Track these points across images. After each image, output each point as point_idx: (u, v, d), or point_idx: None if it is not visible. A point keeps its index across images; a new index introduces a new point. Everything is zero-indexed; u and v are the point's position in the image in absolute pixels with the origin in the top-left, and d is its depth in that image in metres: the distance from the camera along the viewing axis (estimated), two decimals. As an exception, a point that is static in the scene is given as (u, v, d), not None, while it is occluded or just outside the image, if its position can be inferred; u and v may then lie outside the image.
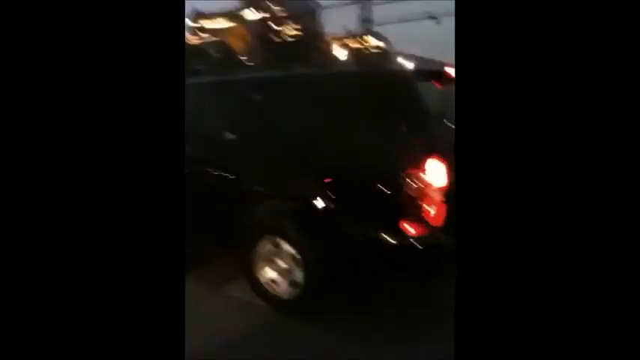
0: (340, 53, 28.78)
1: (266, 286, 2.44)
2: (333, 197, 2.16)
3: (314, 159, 2.30)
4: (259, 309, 2.45)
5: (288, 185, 2.37)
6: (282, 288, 2.38)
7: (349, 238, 2.17)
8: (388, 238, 2.03)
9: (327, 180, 2.23)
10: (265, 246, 2.41)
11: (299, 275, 2.28)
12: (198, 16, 14.10)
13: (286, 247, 2.32)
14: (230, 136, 2.62)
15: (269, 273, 2.44)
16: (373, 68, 6.38)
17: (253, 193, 2.47)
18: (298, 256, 2.26)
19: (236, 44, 8.53)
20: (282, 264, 2.38)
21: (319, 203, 2.19)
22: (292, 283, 2.34)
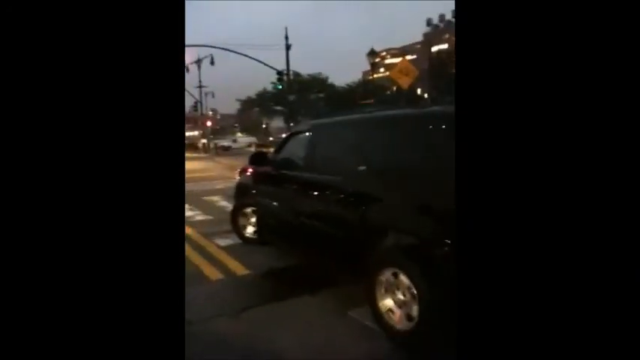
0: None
1: (384, 314, 2.52)
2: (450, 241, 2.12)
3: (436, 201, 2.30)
4: (378, 335, 2.53)
5: (409, 222, 2.42)
6: (398, 319, 2.42)
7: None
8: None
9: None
10: (386, 276, 2.50)
11: (414, 309, 2.29)
12: (371, 53, 15.09)
13: (404, 279, 2.36)
14: (361, 168, 2.84)
15: (388, 302, 2.51)
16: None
17: (380, 226, 2.61)
18: (414, 290, 2.28)
19: (400, 78, 8.83)
20: (400, 296, 2.42)
21: (438, 242, 2.18)
22: (408, 316, 2.35)
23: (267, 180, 4.13)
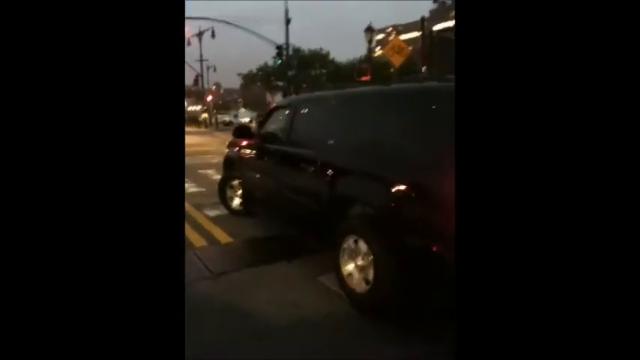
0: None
1: (346, 278, 2.73)
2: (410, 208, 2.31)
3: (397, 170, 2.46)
4: (343, 300, 2.76)
5: (371, 192, 2.60)
6: (357, 282, 2.64)
7: (419, 249, 2.28)
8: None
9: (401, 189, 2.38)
10: (349, 243, 2.70)
11: (370, 273, 2.50)
12: (369, 29, 14.88)
13: (363, 246, 2.56)
14: (330, 142, 3.01)
15: (349, 267, 2.72)
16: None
17: (346, 197, 2.79)
18: (371, 256, 2.48)
19: (392, 56, 8.84)
20: (359, 261, 2.63)
21: (396, 212, 2.37)
22: (365, 280, 2.57)
23: (251, 153, 4.30)
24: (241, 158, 4.59)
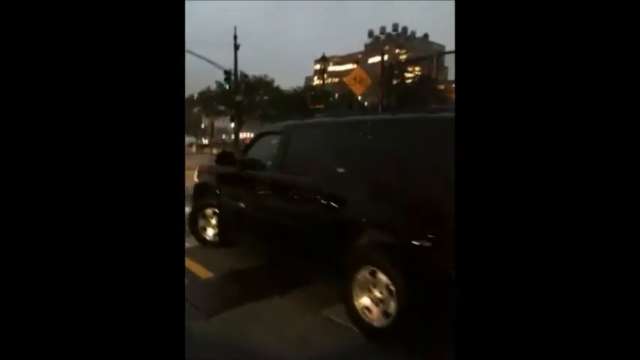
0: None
1: (360, 312, 2.61)
2: (430, 235, 2.28)
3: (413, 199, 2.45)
4: (351, 333, 2.62)
5: (387, 219, 2.55)
6: (376, 316, 2.53)
7: (442, 275, 2.24)
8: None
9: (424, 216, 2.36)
10: (363, 274, 2.60)
11: (392, 306, 2.41)
12: (322, 59, 15.51)
13: (382, 277, 2.48)
14: (340, 170, 2.94)
15: (364, 300, 2.61)
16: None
17: (357, 224, 2.71)
18: (392, 287, 2.40)
19: (354, 86, 9.13)
20: (377, 293, 2.54)
21: (416, 239, 2.33)
22: (385, 313, 2.47)
23: (233, 180, 4.07)
24: (220, 186, 4.33)
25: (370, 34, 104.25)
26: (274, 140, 3.73)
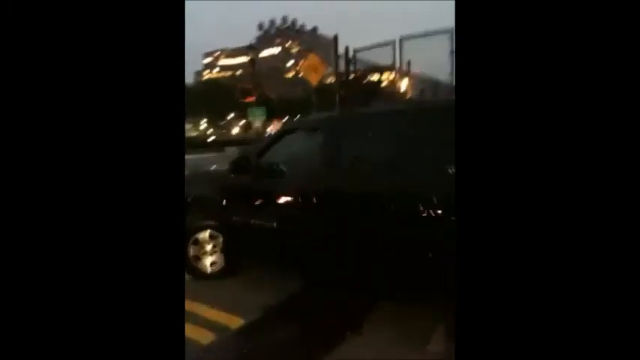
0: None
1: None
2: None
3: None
4: None
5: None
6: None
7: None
8: None
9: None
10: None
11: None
12: (210, 53, 14.53)
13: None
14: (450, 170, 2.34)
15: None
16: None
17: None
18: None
19: (309, 74, 8.40)
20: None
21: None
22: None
23: (249, 192, 3.16)
24: (229, 200, 3.35)
25: (260, 27, 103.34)
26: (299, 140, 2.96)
